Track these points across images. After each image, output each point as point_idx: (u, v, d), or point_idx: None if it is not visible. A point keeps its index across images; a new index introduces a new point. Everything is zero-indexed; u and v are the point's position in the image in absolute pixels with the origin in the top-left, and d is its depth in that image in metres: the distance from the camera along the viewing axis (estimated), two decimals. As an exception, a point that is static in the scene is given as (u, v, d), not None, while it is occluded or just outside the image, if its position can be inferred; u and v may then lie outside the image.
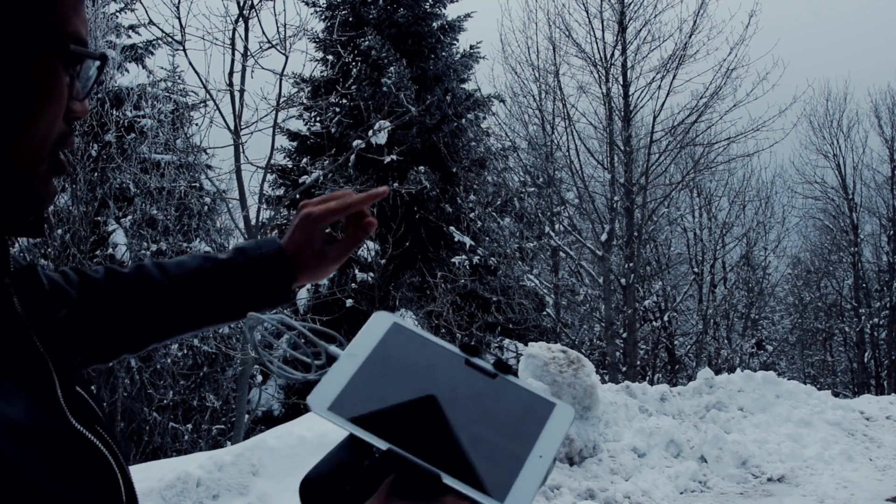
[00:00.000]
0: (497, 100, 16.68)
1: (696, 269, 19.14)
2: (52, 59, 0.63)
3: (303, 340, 0.82)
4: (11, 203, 0.64)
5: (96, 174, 13.47)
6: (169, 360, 13.23)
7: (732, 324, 19.71)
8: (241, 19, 9.38)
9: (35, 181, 0.64)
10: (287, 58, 9.53)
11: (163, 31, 9.57)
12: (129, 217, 13.90)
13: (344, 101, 15.18)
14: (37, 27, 0.61)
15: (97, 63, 0.69)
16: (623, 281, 14.60)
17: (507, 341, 15.95)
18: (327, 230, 1.09)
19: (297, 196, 14.92)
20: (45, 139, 0.64)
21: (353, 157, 13.60)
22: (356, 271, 14.11)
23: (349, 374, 0.68)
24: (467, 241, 15.59)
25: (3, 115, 0.60)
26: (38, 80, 0.62)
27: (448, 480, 0.61)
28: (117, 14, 15.48)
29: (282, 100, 9.85)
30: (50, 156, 0.65)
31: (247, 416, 9.72)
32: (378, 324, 0.72)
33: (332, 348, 0.75)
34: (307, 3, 16.76)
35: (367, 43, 15.82)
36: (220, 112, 9.41)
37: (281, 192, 16.50)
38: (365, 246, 13.58)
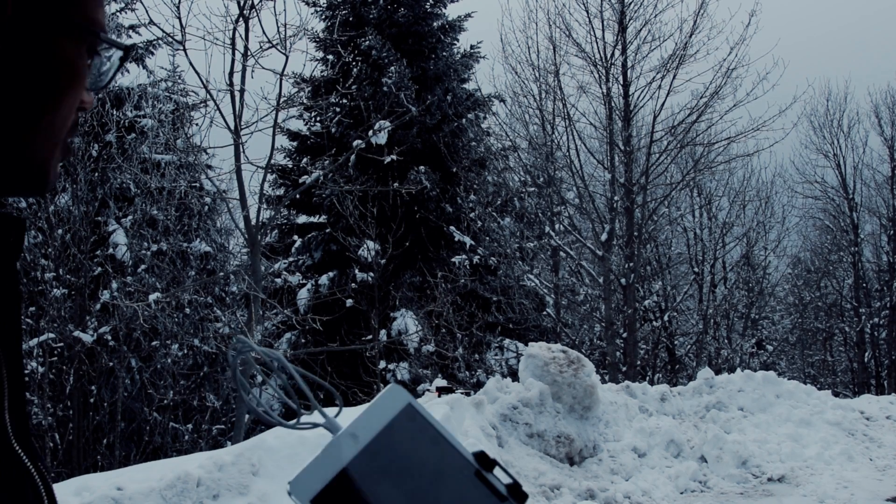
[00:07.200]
0: (497, 100, 16.68)
1: (696, 269, 19.14)
2: (80, 46, 0.62)
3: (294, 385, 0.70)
4: (22, 183, 0.62)
5: (97, 174, 13.47)
6: (169, 360, 13.22)
7: (732, 324, 19.70)
8: (241, 19, 9.38)
9: (50, 164, 0.64)
10: (287, 58, 9.53)
11: (163, 31, 9.55)
12: (130, 217, 13.90)
13: (344, 100, 15.17)
14: (70, 13, 0.61)
15: (118, 55, 0.67)
16: (623, 281, 14.59)
17: (507, 341, 15.95)
18: None
19: (297, 196, 14.91)
20: (64, 124, 0.63)
21: (353, 157, 13.59)
22: (356, 271, 14.11)
23: (343, 462, 0.60)
24: (467, 240, 15.58)
25: (34, 96, 0.60)
26: (68, 64, 0.61)
27: None
28: (117, 14, 15.49)
29: (282, 100, 9.84)
30: (63, 141, 0.64)
31: (247, 415, 9.72)
32: (389, 402, 0.63)
33: (332, 418, 0.65)
34: (307, 3, 16.75)
35: (367, 43, 15.82)
36: (221, 112, 9.40)
37: (281, 191, 16.50)
38: (365, 246, 13.57)
